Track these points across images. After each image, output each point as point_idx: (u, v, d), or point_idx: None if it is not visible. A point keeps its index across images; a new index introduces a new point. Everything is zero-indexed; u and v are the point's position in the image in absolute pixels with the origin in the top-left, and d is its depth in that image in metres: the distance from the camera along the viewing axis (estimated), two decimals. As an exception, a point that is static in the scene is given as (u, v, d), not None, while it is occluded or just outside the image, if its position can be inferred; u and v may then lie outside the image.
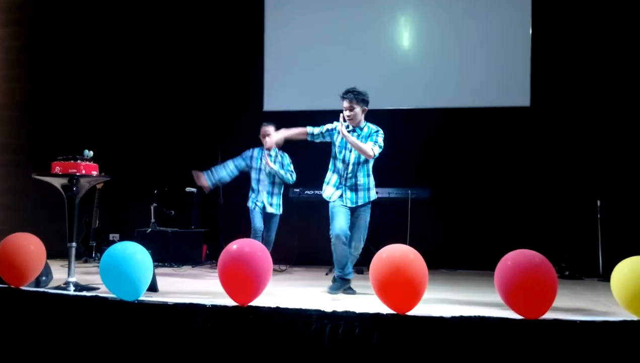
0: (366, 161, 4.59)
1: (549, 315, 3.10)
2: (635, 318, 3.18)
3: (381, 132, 4.62)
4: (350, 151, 4.56)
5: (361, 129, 4.63)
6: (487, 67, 6.77)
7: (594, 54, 6.55)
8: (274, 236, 5.82)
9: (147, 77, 7.56)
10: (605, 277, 5.47)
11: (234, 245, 3.48)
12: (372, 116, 4.90)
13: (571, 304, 4.19)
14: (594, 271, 5.86)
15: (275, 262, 3.64)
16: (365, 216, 4.59)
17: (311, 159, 6.70)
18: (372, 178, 4.65)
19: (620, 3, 6.50)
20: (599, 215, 5.92)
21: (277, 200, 5.86)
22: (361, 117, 4.63)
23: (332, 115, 5.38)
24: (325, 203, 5.48)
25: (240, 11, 7.41)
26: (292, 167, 5.87)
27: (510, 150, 6.72)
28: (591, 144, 6.51)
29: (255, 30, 7.30)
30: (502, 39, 6.75)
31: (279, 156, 5.88)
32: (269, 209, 5.78)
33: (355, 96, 4.57)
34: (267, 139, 5.57)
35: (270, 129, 5.63)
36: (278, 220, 5.86)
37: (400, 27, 7.04)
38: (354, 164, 4.56)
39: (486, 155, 6.77)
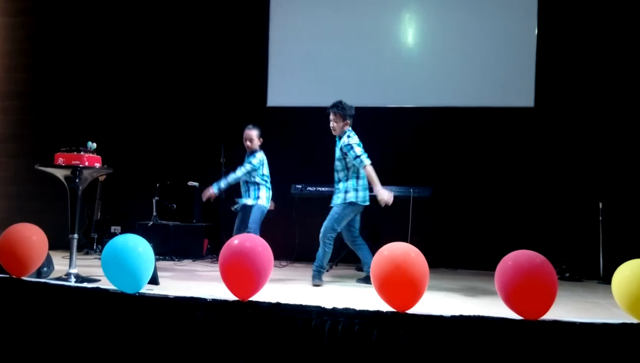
0: (346, 167, 5.07)
1: (548, 316, 3.11)
2: (635, 321, 3.18)
3: (353, 143, 4.98)
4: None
5: (339, 139, 5.13)
6: (491, 66, 6.76)
7: (599, 55, 6.54)
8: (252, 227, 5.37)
9: (151, 71, 7.56)
10: (606, 280, 5.48)
11: (235, 240, 3.49)
12: (376, 114, 4.93)
13: (571, 306, 4.20)
14: (595, 273, 5.86)
15: (275, 257, 3.65)
16: (336, 210, 5.03)
17: (313, 156, 6.73)
18: (352, 182, 5.04)
19: (626, 4, 6.48)
20: (600, 217, 5.91)
21: (253, 192, 5.57)
22: (341, 130, 5.10)
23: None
24: (325, 200, 5.49)
25: (245, 6, 7.40)
26: (250, 160, 5.52)
27: (513, 151, 6.71)
28: (594, 145, 6.50)
29: (259, 25, 7.29)
30: (507, 39, 6.73)
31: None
32: (247, 202, 5.56)
33: (338, 110, 5.08)
34: (247, 143, 5.52)
35: (252, 133, 5.53)
36: (252, 211, 5.47)
37: (405, 25, 7.03)
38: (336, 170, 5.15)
39: (489, 155, 6.76)
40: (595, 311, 4.06)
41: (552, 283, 3.08)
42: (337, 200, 5.04)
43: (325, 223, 5.00)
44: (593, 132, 6.51)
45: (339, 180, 5.08)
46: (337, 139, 5.14)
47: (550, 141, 6.62)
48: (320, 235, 5.00)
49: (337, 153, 5.10)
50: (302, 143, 6.85)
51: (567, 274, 5.88)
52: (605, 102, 6.51)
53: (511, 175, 6.69)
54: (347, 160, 4.99)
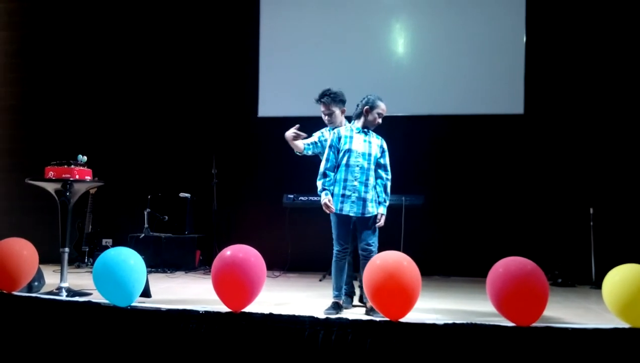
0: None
1: (541, 322, 3.11)
2: (626, 325, 3.19)
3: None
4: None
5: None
6: (481, 74, 6.80)
7: (587, 62, 6.60)
8: None
9: (141, 83, 7.56)
10: (598, 285, 5.49)
11: (228, 251, 3.48)
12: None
13: (563, 311, 4.21)
14: (587, 278, 5.88)
15: (268, 268, 3.64)
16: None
17: (305, 166, 6.73)
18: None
19: (614, 13, 6.55)
20: (591, 223, 5.95)
21: None
22: (341, 118, 4.50)
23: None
24: (317, 210, 5.46)
25: (236, 17, 7.42)
26: None
27: (503, 158, 6.75)
28: (584, 151, 6.55)
29: (250, 36, 7.32)
30: (496, 47, 6.79)
31: None
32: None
33: (332, 98, 4.45)
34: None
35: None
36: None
37: (395, 34, 7.08)
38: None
39: (480, 163, 6.80)
40: (588, 316, 4.08)
41: (542, 290, 3.09)
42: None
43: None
44: (583, 138, 6.56)
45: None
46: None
47: (540, 148, 6.66)
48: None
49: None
50: (293, 153, 6.84)
51: (560, 280, 5.90)
52: (594, 109, 6.56)
53: (502, 182, 6.72)
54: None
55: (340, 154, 4.11)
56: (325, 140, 4.51)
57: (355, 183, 4.06)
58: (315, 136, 4.65)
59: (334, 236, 4.13)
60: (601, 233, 5.99)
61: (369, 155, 4.11)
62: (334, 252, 4.11)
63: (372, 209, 4.08)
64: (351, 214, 4.06)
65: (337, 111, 4.47)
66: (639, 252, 5.70)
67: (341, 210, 4.06)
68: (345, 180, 4.07)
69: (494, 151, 6.78)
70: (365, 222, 4.08)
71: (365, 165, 4.09)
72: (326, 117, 4.49)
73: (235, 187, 7.13)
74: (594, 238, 5.90)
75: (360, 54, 7.06)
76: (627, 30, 6.51)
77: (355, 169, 4.07)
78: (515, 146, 6.74)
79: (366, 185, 4.08)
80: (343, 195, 4.06)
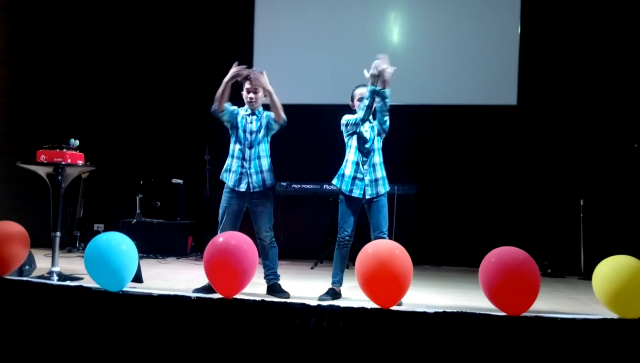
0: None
1: (530, 312, 3.15)
2: (614, 316, 3.23)
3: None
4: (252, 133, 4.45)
5: (260, 113, 4.54)
6: (475, 65, 6.80)
7: (580, 54, 6.62)
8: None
9: (135, 68, 7.51)
10: (587, 276, 5.56)
11: (220, 238, 3.49)
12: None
13: (553, 302, 4.25)
14: (576, 269, 5.94)
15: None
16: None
17: (298, 154, 6.74)
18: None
19: (608, 6, 6.56)
20: (581, 214, 6.00)
21: None
22: (260, 103, 4.53)
23: (322, 110, 5.40)
24: (310, 197, 5.48)
25: (230, 6, 7.37)
26: None
27: (496, 148, 6.77)
28: (576, 143, 6.58)
29: (244, 25, 7.28)
30: (491, 38, 6.78)
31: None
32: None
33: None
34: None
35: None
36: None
37: (390, 24, 7.06)
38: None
39: (472, 153, 6.82)
40: (577, 306, 4.12)
41: (534, 280, 3.12)
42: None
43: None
44: (575, 130, 6.59)
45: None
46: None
47: (532, 139, 6.69)
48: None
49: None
50: (286, 140, 6.83)
51: (549, 270, 5.95)
52: (586, 101, 6.59)
53: (494, 172, 6.75)
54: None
55: (352, 137, 4.26)
56: (237, 113, 4.50)
57: (366, 166, 4.17)
58: (233, 108, 4.53)
59: (339, 222, 4.16)
60: (591, 225, 6.04)
61: (372, 139, 4.29)
62: (338, 238, 4.14)
63: (383, 188, 4.19)
64: (367, 196, 4.11)
65: (261, 94, 4.47)
66: (628, 243, 5.76)
67: (350, 192, 4.14)
68: (357, 163, 4.18)
69: (486, 142, 6.80)
70: (377, 206, 4.13)
71: (374, 146, 4.26)
72: (250, 94, 4.43)
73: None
74: (583, 229, 5.95)
75: (354, 44, 7.02)
76: (620, 23, 6.52)
77: (364, 152, 4.21)
78: (508, 137, 6.76)
79: (374, 166, 4.22)
80: (354, 178, 4.16)
